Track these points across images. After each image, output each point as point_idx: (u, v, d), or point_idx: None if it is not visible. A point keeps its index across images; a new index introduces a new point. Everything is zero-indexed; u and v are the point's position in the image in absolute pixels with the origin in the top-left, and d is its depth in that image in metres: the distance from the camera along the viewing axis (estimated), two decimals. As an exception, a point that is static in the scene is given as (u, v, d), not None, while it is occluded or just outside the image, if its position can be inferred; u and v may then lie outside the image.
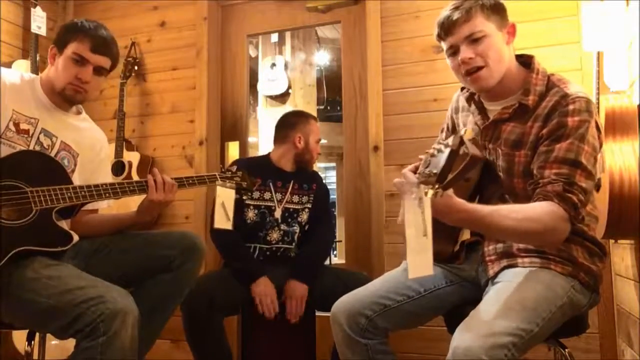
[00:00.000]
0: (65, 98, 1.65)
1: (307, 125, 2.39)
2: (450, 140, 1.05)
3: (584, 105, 1.30)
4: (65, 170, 1.59)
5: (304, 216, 2.33)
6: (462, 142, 1.02)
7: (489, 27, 1.37)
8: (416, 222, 1.08)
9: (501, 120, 1.42)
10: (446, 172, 1.02)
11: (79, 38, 1.62)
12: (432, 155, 1.11)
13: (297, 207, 2.32)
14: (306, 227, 2.34)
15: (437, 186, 1.02)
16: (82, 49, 1.61)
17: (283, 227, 2.27)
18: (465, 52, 1.38)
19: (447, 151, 1.03)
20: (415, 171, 1.25)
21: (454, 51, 1.41)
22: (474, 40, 1.37)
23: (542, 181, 1.28)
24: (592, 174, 1.29)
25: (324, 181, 2.50)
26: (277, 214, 2.27)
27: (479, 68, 1.38)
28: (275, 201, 2.28)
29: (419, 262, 1.10)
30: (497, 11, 1.39)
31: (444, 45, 1.44)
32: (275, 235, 2.26)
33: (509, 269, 1.36)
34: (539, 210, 1.24)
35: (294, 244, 2.29)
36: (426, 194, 1.04)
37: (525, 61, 1.46)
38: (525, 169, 1.36)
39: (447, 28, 1.39)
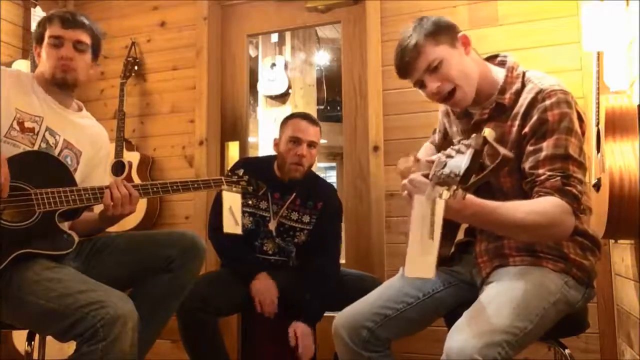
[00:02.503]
0: (58, 82, 1.65)
1: (284, 124, 2.20)
2: (471, 141, 1.03)
3: (561, 97, 1.31)
4: (70, 171, 1.59)
5: (302, 237, 2.18)
6: (485, 142, 1.01)
7: (442, 50, 1.38)
8: (424, 223, 1.06)
9: (481, 120, 1.43)
10: (470, 173, 0.99)
11: (50, 23, 1.65)
12: (449, 156, 1.08)
13: (294, 225, 2.18)
14: (305, 246, 2.20)
15: (458, 187, 0.99)
16: (54, 30, 1.63)
17: (278, 241, 2.17)
18: (431, 83, 1.40)
19: (469, 152, 1.01)
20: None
21: (420, 85, 1.44)
22: (433, 69, 1.39)
23: (538, 179, 1.28)
24: (582, 163, 1.30)
25: (336, 198, 2.28)
26: (272, 226, 2.16)
27: (451, 92, 1.40)
28: (271, 212, 2.17)
29: (419, 263, 1.09)
30: (442, 30, 1.40)
31: (409, 81, 1.46)
32: (271, 246, 2.17)
33: (501, 268, 1.36)
34: (543, 204, 1.24)
35: (291, 260, 2.20)
36: (440, 195, 1.02)
37: (502, 60, 1.47)
38: (511, 168, 1.36)
39: (404, 70, 1.43)
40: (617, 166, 1.54)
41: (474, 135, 1.03)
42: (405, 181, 1.23)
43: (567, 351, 1.43)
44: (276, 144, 2.21)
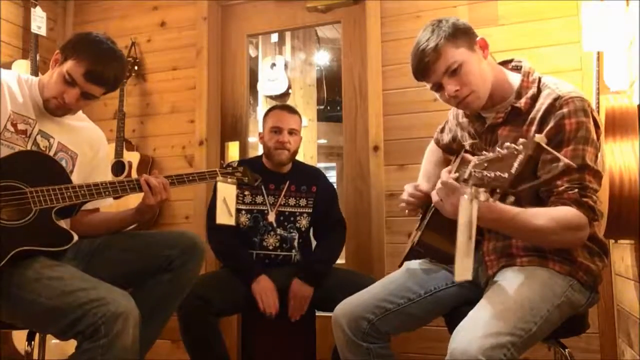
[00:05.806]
0: (47, 108, 1.62)
1: (266, 117, 2.31)
2: (521, 146, 0.99)
3: (579, 105, 1.30)
4: (64, 169, 1.59)
5: (303, 221, 2.25)
6: (539, 148, 0.97)
7: (461, 53, 1.37)
8: (467, 225, 1.06)
9: (496, 124, 1.43)
10: (520, 178, 0.97)
11: (79, 58, 1.55)
12: (492, 161, 1.04)
13: (293, 210, 2.25)
14: (306, 233, 2.26)
15: (506, 192, 0.98)
16: (75, 71, 1.55)
17: (280, 231, 2.21)
18: (450, 85, 1.38)
19: (520, 157, 0.97)
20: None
21: (437, 87, 1.43)
22: (452, 72, 1.37)
23: (556, 190, 1.29)
24: (598, 171, 1.31)
25: (328, 180, 2.40)
26: (271, 217, 2.21)
27: (467, 95, 1.39)
28: (268, 204, 2.23)
29: (464, 265, 1.09)
30: (462, 34, 1.38)
31: (426, 84, 1.45)
32: (272, 241, 2.20)
33: (507, 268, 1.36)
34: (562, 213, 1.26)
35: (294, 250, 2.22)
36: (478, 197, 1.02)
37: (516, 65, 1.47)
38: None
39: (423, 72, 1.41)
40: (617, 166, 1.54)
41: (522, 140, 0.99)
42: (438, 185, 1.24)
43: (567, 351, 1.43)
44: (261, 137, 2.32)
